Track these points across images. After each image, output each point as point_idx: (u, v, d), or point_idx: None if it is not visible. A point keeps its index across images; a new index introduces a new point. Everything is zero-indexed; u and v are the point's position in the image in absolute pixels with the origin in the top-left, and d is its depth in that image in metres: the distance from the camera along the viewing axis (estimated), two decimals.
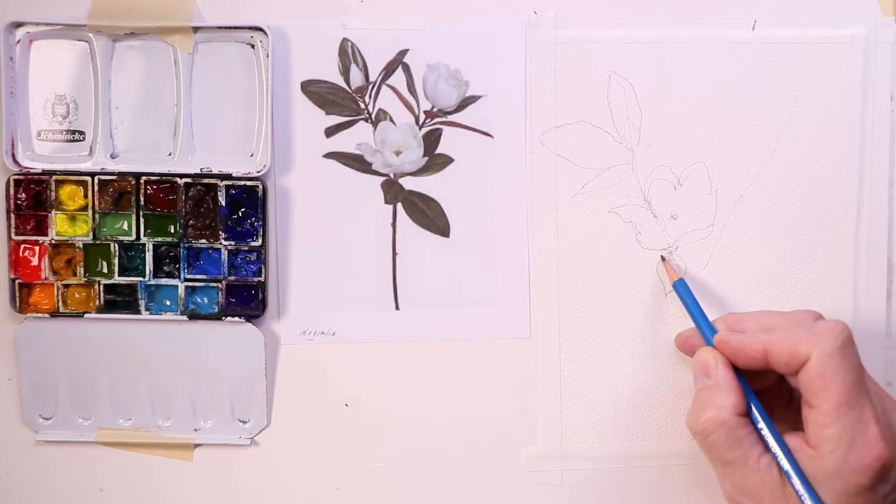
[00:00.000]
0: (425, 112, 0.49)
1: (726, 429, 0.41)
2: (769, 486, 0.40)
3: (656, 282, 0.49)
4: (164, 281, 0.49)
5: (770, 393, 0.44)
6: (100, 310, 0.49)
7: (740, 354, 0.42)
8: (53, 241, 0.48)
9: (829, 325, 0.40)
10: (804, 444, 0.40)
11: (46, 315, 0.49)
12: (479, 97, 0.49)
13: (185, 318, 0.49)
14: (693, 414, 0.42)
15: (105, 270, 0.49)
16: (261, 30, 0.47)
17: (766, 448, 0.41)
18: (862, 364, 0.40)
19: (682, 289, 0.47)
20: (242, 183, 0.48)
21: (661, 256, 0.49)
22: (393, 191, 0.49)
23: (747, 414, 0.42)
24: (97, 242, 0.49)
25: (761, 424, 0.42)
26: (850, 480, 0.39)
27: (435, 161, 0.49)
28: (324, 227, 0.49)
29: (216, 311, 0.49)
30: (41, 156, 0.48)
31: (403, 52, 0.48)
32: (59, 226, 0.48)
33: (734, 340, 0.43)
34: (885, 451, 0.39)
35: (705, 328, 0.45)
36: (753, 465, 0.41)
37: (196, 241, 0.49)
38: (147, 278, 0.49)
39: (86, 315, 0.49)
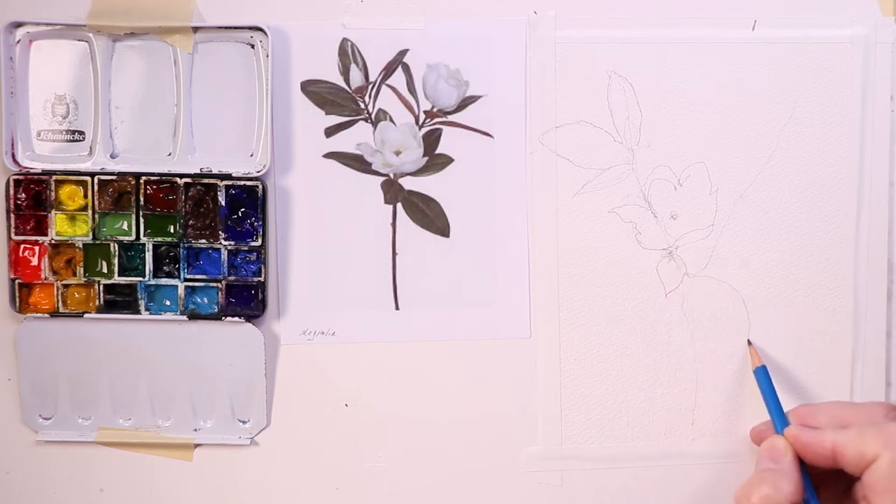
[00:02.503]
0: (425, 112, 0.49)
1: None
2: None
3: (656, 282, 0.49)
4: (163, 281, 0.49)
5: (823, 474, 0.44)
6: (100, 310, 0.49)
7: (809, 451, 0.43)
8: (53, 241, 0.48)
9: None
10: None
11: (46, 315, 0.49)
12: (479, 97, 0.49)
13: (184, 318, 0.49)
14: (746, 488, 0.43)
15: (105, 270, 0.49)
16: (261, 30, 0.47)
17: None
18: None
19: (762, 376, 0.47)
20: (242, 183, 0.48)
21: (748, 341, 0.49)
22: (393, 191, 0.49)
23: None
24: (97, 242, 0.49)
25: None
26: None
27: (435, 161, 0.49)
28: (324, 227, 0.49)
29: (216, 311, 0.49)
30: (41, 156, 0.48)
31: (403, 52, 0.48)
32: (59, 226, 0.48)
33: (804, 436, 0.43)
34: None
35: (777, 418, 0.45)
36: None
37: (196, 241, 0.49)
38: (147, 278, 0.49)
39: (86, 315, 0.49)
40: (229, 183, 0.48)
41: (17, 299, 0.48)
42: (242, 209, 0.48)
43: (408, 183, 0.49)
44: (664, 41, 0.49)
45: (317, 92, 0.49)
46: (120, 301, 0.49)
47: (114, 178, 0.48)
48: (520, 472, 0.50)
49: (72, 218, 0.48)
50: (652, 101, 0.49)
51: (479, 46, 0.48)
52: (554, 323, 0.49)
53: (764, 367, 0.48)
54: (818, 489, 0.44)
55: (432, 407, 0.50)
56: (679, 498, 0.50)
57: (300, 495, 0.50)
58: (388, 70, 0.49)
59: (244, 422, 0.49)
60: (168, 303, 0.49)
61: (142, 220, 0.48)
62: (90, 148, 0.48)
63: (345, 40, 0.48)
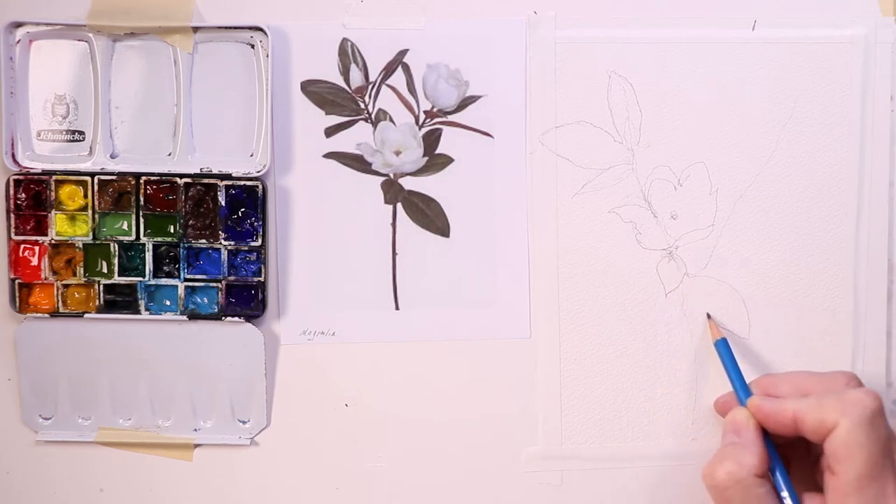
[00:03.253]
0: (425, 112, 0.49)
1: (742, 486, 0.42)
2: None
3: (656, 282, 0.49)
4: (163, 281, 0.49)
5: (791, 446, 0.45)
6: (100, 310, 0.49)
7: (771, 420, 0.43)
8: (53, 241, 0.48)
9: (859, 394, 0.41)
10: None
11: (46, 315, 0.49)
12: (479, 97, 0.49)
13: (184, 318, 0.49)
14: (710, 466, 0.43)
15: (105, 270, 0.49)
16: (261, 30, 0.47)
17: None
18: (891, 435, 0.41)
19: (723, 349, 0.47)
20: (242, 183, 0.48)
21: (708, 314, 0.49)
22: (393, 191, 0.49)
23: (767, 475, 0.42)
24: (97, 242, 0.49)
25: (784, 493, 0.42)
26: None
27: (435, 161, 0.49)
28: (324, 227, 0.49)
29: (216, 311, 0.49)
30: (41, 156, 0.48)
31: (403, 52, 0.48)
32: (59, 226, 0.48)
33: (766, 406, 0.43)
34: None
35: (740, 389, 0.46)
36: None
37: (196, 241, 0.49)
38: (147, 278, 0.49)
39: (86, 315, 0.49)
40: (229, 183, 0.48)
41: (17, 299, 0.48)
42: (242, 209, 0.48)
43: (408, 183, 0.49)
44: (664, 41, 0.49)
45: (317, 92, 0.49)
46: (120, 301, 0.49)
47: (114, 178, 0.48)
48: (520, 472, 0.50)
49: (72, 218, 0.48)
50: (652, 101, 0.49)
51: (479, 46, 0.48)
52: (554, 323, 0.49)
53: (724, 340, 0.48)
54: (790, 461, 0.44)
55: (432, 407, 0.50)
56: (679, 498, 0.50)
57: (300, 495, 0.50)
58: (388, 70, 0.49)
59: (244, 422, 0.49)
60: (168, 303, 0.49)
61: (142, 220, 0.48)
62: (90, 148, 0.48)
63: (345, 40, 0.48)
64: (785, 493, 0.42)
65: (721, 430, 0.45)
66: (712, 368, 0.49)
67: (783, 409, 0.42)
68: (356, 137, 0.49)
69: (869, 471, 0.39)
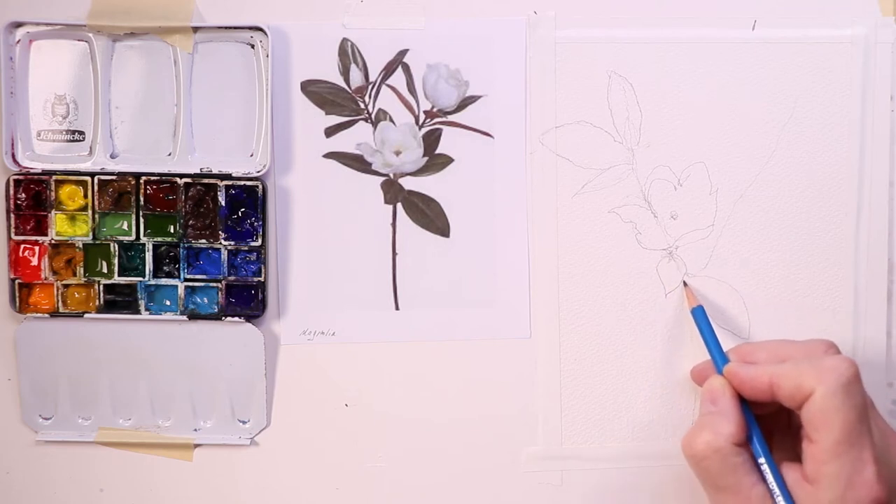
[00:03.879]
0: (425, 112, 0.49)
1: (720, 456, 0.41)
2: None
3: (656, 282, 0.49)
4: (163, 281, 0.49)
5: (774, 416, 0.45)
6: (100, 310, 0.49)
7: (747, 386, 0.43)
8: (53, 241, 0.48)
9: (835, 361, 0.41)
10: (802, 479, 0.40)
11: (46, 315, 0.49)
12: (479, 97, 0.49)
13: (184, 318, 0.49)
14: (689, 436, 0.43)
15: (105, 270, 0.49)
16: (261, 30, 0.47)
17: (761, 478, 0.41)
18: (867, 401, 0.41)
19: (699, 316, 0.47)
20: (242, 183, 0.48)
21: (684, 281, 0.49)
22: (393, 191, 0.49)
23: (745, 444, 0.42)
24: (97, 242, 0.49)
25: (762, 459, 0.42)
26: None
27: (435, 161, 0.49)
28: (324, 227, 0.49)
29: (216, 311, 0.49)
30: (41, 156, 0.48)
31: (403, 52, 0.48)
32: (59, 226, 0.48)
33: (742, 372, 0.43)
34: (882, 492, 0.39)
35: (717, 357, 0.45)
36: (745, 493, 0.41)
37: (196, 241, 0.49)
38: (147, 278, 0.49)
39: (86, 315, 0.49)
40: (229, 183, 0.48)
41: (17, 299, 0.48)
42: (242, 209, 0.48)
43: (408, 183, 0.49)
44: (664, 41, 0.49)
45: (317, 92, 0.49)
46: (120, 301, 0.49)
47: (114, 178, 0.48)
48: (520, 472, 0.50)
49: (72, 218, 0.48)
50: (652, 101, 0.49)
51: (479, 46, 0.48)
52: (554, 323, 0.49)
53: (701, 307, 0.47)
54: (772, 433, 0.44)
55: (432, 407, 0.50)
56: (679, 498, 0.50)
57: (300, 495, 0.50)
58: (388, 70, 0.49)
59: (244, 422, 0.49)
60: (168, 303, 0.49)
61: (142, 220, 0.48)
62: (90, 148, 0.48)
63: (345, 40, 0.48)
64: (762, 460, 0.42)
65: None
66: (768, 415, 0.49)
67: (759, 375, 0.42)
68: (356, 137, 0.49)
69: (846, 437, 0.39)
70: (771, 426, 0.45)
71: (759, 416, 0.44)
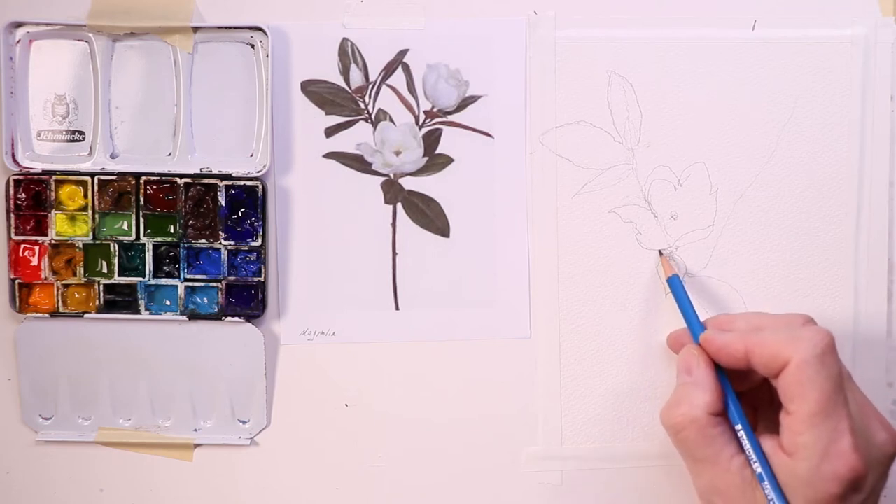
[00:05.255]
0: (425, 112, 0.49)
1: (697, 426, 0.41)
2: (739, 486, 0.40)
3: (656, 281, 0.49)
4: (163, 281, 0.49)
5: (756, 392, 0.44)
6: (100, 310, 0.49)
7: (723, 354, 0.42)
8: (53, 241, 0.48)
9: (811, 331, 0.40)
10: (779, 449, 0.40)
11: (46, 315, 0.49)
12: (479, 97, 0.49)
13: (184, 318, 0.49)
14: (667, 408, 0.43)
15: (105, 270, 0.49)
16: (261, 30, 0.47)
17: (740, 449, 0.41)
18: (843, 372, 0.40)
19: (675, 285, 0.47)
20: (242, 183, 0.48)
21: (660, 251, 0.49)
22: (393, 191, 0.49)
23: (723, 413, 0.42)
24: (97, 242, 0.49)
25: (738, 426, 0.42)
26: (822, 489, 0.38)
27: (435, 161, 0.49)
28: (324, 227, 0.49)
29: (216, 311, 0.49)
30: (41, 156, 0.48)
31: (403, 52, 0.48)
32: (59, 226, 0.48)
33: (718, 340, 0.43)
34: (859, 462, 0.38)
35: (694, 326, 0.45)
36: (724, 464, 0.41)
37: (196, 241, 0.49)
38: (147, 278, 0.49)
39: (86, 315, 0.49)
40: (229, 183, 0.48)
41: (17, 299, 0.48)
42: (242, 209, 0.48)
43: (408, 183, 0.49)
44: (664, 41, 0.49)
45: (317, 92, 0.49)
46: (120, 301, 0.49)
47: (114, 178, 0.48)
48: (520, 472, 0.50)
49: (72, 218, 0.48)
50: (652, 101, 0.49)
51: (479, 46, 0.49)
52: (554, 323, 0.49)
53: (676, 276, 0.47)
54: (756, 408, 0.44)
55: (432, 407, 0.50)
56: (679, 498, 0.50)
57: (300, 495, 0.50)
58: (388, 70, 0.49)
59: (244, 422, 0.49)
60: (168, 303, 0.49)
61: (142, 220, 0.48)
62: (90, 148, 0.48)
63: (345, 40, 0.48)
64: (739, 426, 0.41)
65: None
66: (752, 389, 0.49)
67: (735, 342, 0.42)
68: (356, 137, 0.49)
69: (822, 408, 0.39)
70: (754, 401, 0.44)
71: (741, 391, 0.43)
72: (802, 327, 0.42)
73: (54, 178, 0.48)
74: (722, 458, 0.41)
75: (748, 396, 0.44)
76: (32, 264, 0.48)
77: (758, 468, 0.40)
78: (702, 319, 0.45)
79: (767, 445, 0.41)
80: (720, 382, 0.43)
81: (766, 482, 0.40)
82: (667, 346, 0.49)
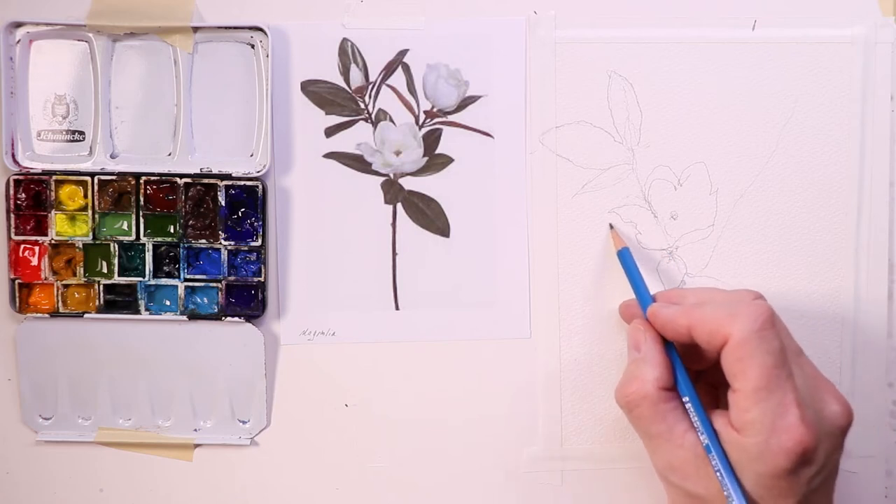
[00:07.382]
0: (425, 112, 0.49)
1: (649, 402, 0.41)
2: (693, 462, 0.40)
3: (656, 282, 0.49)
4: (163, 281, 0.49)
5: (716, 369, 0.43)
6: (100, 310, 0.49)
7: (668, 328, 0.42)
8: (53, 241, 0.48)
9: (750, 306, 0.40)
10: (729, 426, 0.40)
11: (46, 315, 0.49)
12: (479, 97, 0.49)
13: (184, 318, 0.49)
14: (619, 386, 0.43)
15: (105, 270, 0.49)
16: (261, 30, 0.47)
17: (693, 426, 0.41)
18: (786, 346, 0.40)
19: (626, 257, 0.47)
20: (242, 183, 0.48)
21: (610, 224, 0.49)
22: (393, 191, 0.49)
23: (674, 388, 0.42)
24: (97, 242, 0.49)
25: (686, 398, 0.41)
26: (772, 464, 0.38)
27: (435, 161, 0.49)
28: (324, 227, 0.49)
29: (216, 311, 0.49)
30: (41, 156, 0.48)
31: (403, 52, 0.48)
32: (59, 226, 0.48)
33: (662, 314, 0.43)
34: (807, 435, 0.38)
35: (644, 299, 0.45)
36: (678, 440, 0.41)
37: (196, 241, 0.49)
38: (147, 278, 0.49)
39: (86, 315, 0.49)
40: (229, 183, 0.48)
41: (17, 299, 0.48)
42: (242, 209, 0.48)
43: (408, 183, 0.49)
44: (664, 41, 0.49)
45: (317, 92, 0.49)
46: (120, 301, 0.49)
47: (114, 178, 0.48)
48: (520, 472, 0.50)
49: (72, 218, 0.48)
50: (652, 101, 0.49)
51: (479, 46, 0.49)
52: (554, 323, 0.49)
53: (626, 249, 0.47)
54: (718, 386, 0.43)
55: (432, 407, 0.50)
56: None
57: (300, 495, 0.50)
58: (388, 70, 0.49)
59: (244, 422, 0.49)
60: (168, 303, 0.49)
61: (142, 220, 0.48)
62: (90, 148, 0.48)
63: (345, 40, 0.48)
64: (686, 399, 0.41)
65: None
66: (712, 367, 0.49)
67: (678, 317, 0.42)
68: (356, 137, 0.49)
69: (764, 384, 0.38)
70: (714, 378, 0.44)
71: (702, 369, 0.43)
72: (742, 303, 0.41)
73: (54, 178, 0.48)
74: (675, 434, 0.41)
75: (709, 374, 0.44)
76: (32, 264, 0.48)
77: (704, 440, 0.40)
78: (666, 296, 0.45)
79: (719, 423, 0.40)
80: (669, 356, 0.42)
81: (713, 453, 0.40)
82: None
